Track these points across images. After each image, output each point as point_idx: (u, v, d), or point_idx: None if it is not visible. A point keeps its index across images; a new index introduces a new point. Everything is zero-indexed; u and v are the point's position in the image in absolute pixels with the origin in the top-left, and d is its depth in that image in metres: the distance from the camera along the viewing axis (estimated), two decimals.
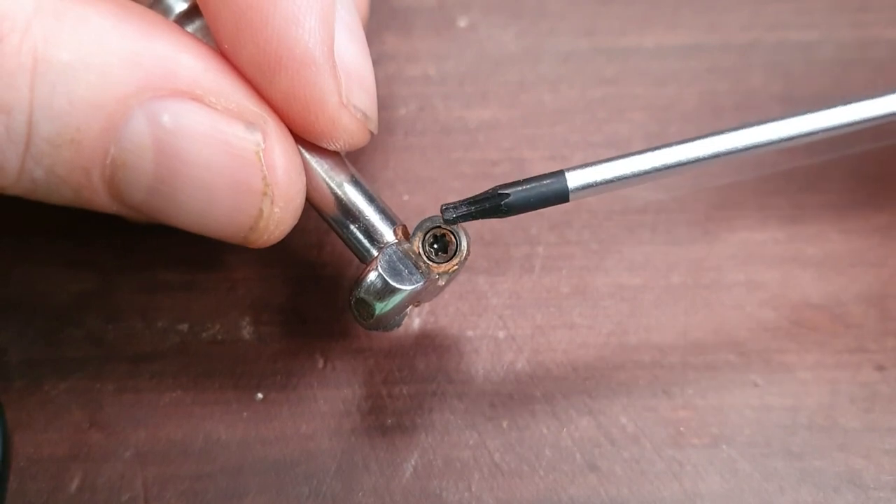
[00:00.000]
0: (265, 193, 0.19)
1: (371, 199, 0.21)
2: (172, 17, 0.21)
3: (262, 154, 0.19)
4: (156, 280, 0.24)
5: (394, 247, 0.20)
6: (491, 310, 0.24)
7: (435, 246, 0.21)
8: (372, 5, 0.25)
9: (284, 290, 0.24)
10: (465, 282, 0.25)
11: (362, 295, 0.20)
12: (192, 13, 0.21)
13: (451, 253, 0.21)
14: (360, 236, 0.21)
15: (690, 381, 0.23)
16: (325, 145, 0.20)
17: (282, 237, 0.20)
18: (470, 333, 0.24)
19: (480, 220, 0.25)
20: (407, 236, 0.21)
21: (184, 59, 0.18)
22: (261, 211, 0.19)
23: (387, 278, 0.20)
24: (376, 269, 0.20)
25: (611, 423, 0.23)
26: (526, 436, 0.23)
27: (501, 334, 0.24)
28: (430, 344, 0.24)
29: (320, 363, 0.24)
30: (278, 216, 0.19)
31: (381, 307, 0.20)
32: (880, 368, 0.24)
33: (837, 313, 0.24)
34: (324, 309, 0.24)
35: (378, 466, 0.23)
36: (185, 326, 0.24)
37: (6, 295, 0.24)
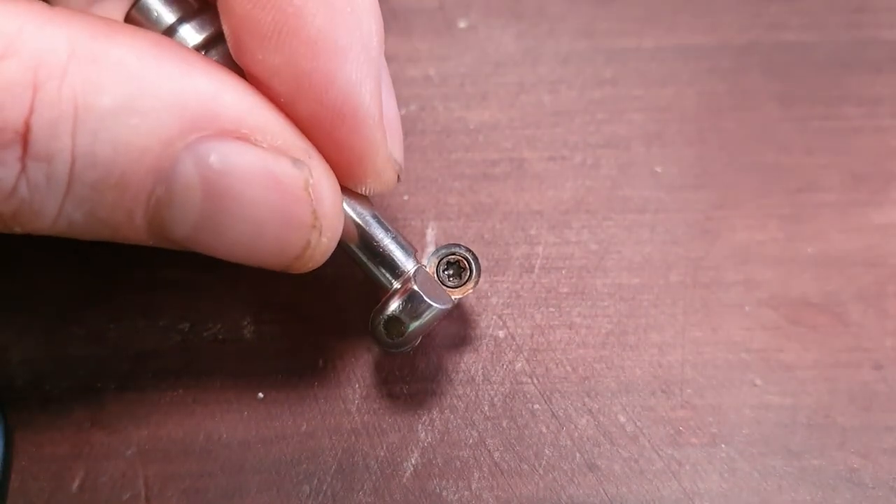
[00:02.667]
0: (314, 226, 0.19)
1: (388, 229, 0.22)
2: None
3: (310, 188, 0.19)
4: (157, 279, 0.24)
5: (422, 270, 0.22)
6: (490, 309, 0.24)
7: (448, 272, 0.22)
8: None
9: (286, 290, 0.24)
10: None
11: (398, 314, 0.21)
12: (207, 45, 0.21)
13: (464, 278, 0.22)
14: (384, 264, 0.22)
15: (689, 381, 0.24)
16: (360, 190, 0.21)
17: (322, 262, 0.21)
18: (470, 333, 0.24)
19: (480, 220, 0.26)
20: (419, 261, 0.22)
21: (226, 97, 0.18)
22: (308, 242, 0.20)
23: (424, 297, 0.21)
24: (413, 288, 0.21)
25: (610, 422, 0.23)
26: (525, 435, 0.23)
27: (501, 334, 0.24)
28: (430, 343, 0.24)
29: (321, 362, 0.24)
30: (325, 245, 0.20)
31: (414, 325, 0.21)
32: (878, 367, 0.24)
33: (836, 312, 0.25)
34: (325, 308, 0.24)
35: (378, 465, 0.23)
36: (186, 325, 0.24)
37: (8, 294, 0.24)
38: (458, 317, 0.24)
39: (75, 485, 0.22)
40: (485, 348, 0.24)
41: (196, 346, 0.24)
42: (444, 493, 0.22)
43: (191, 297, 0.24)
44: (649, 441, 0.23)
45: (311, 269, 0.20)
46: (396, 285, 0.21)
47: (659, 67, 0.28)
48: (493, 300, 0.25)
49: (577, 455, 0.23)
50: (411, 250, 0.22)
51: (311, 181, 0.19)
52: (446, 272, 0.22)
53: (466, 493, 0.22)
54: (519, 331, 0.24)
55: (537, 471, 0.23)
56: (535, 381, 0.24)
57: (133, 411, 0.23)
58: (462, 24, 0.29)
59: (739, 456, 0.23)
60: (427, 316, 0.21)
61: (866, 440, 0.23)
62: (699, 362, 0.24)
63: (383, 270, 0.22)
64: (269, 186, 0.19)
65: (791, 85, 0.28)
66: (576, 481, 0.22)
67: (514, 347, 0.24)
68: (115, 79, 0.17)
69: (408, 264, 0.22)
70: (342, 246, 0.21)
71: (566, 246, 0.25)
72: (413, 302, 0.21)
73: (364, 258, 0.22)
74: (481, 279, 0.22)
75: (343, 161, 0.20)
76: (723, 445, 0.23)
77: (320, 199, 0.19)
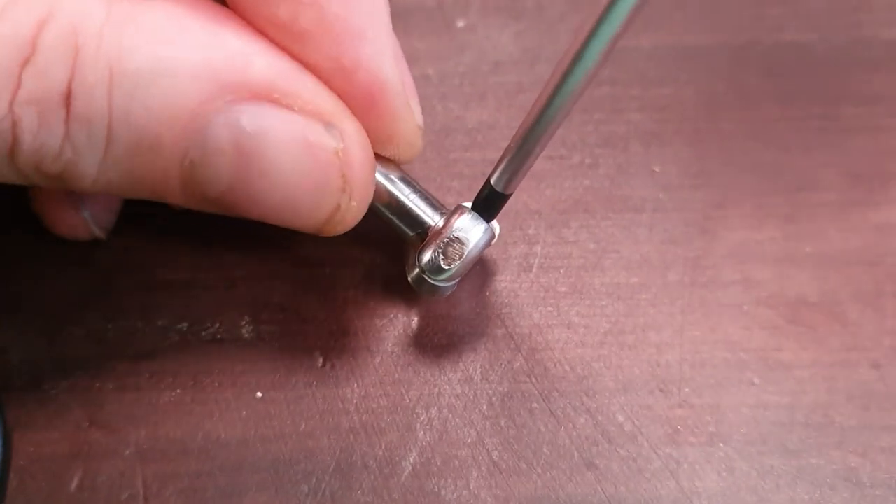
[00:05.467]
0: (344, 190, 0.20)
1: (417, 187, 0.22)
2: None
3: (340, 153, 0.19)
4: (156, 279, 0.24)
5: (461, 206, 0.22)
6: (489, 308, 0.24)
7: None
8: None
9: (284, 289, 0.24)
10: (462, 280, 0.25)
11: (458, 234, 0.21)
12: None
13: None
14: (415, 221, 0.22)
15: (687, 380, 0.24)
16: (391, 156, 0.22)
17: (354, 225, 0.21)
18: (468, 332, 0.24)
19: None
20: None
21: (258, 61, 0.18)
22: (339, 206, 0.20)
23: (480, 217, 0.21)
24: (466, 211, 0.22)
25: (608, 421, 0.23)
26: (524, 434, 0.23)
27: (500, 333, 0.24)
28: (429, 343, 0.24)
29: (319, 362, 0.24)
30: (355, 208, 0.20)
31: (472, 245, 0.21)
32: (877, 366, 0.24)
33: (834, 311, 0.25)
34: (323, 308, 0.24)
35: (377, 465, 0.23)
36: (184, 325, 0.24)
37: (7, 294, 0.24)
38: (457, 316, 0.24)
39: (73, 484, 0.22)
40: (483, 347, 0.24)
41: (194, 346, 0.24)
42: (443, 493, 0.22)
43: (189, 296, 0.24)
44: (647, 440, 0.23)
45: (341, 232, 0.21)
46: (441, 222, 0.22)
47: (657, 67, 0.28)
48: (492, 299, 0.25)
49: (576, 454, 0.23)
50: (441, 206, 0.23)
51: (341, 146, 0.19)
52: None
53: (465, 492, 0.22)
54: (517, 330, 0.24)
55: (535, 470, 0.23)
56: (534, 380, 0.24)
57: (131, 411, 0.23)
58: (461, 24, 0.29)
59: (737, 455, 0.23)
60: (483, 233, 0.21)
61: (864, 439, 0.23)
62: (697, 361, 0.24)
63: (414, 225, 0.22)
64: (300, 150, 0.19)
65: (789, 84, 0.28)
66: (574, 480, 0.22)
67: (512, 347, 0.24)
68: (148, 42, 0.17)
69: (440, 218, 0.22)
70: (372, 207, 0.22)
71: (564, 245, 0.25)
72: (471, 220, 0.21)
73: (396, 218, 0.22)
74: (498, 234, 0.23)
75: (374, 133, 0.20)
76: (721, 444, 0.23)
77: (350, 164, 0.19)
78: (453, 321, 0.24)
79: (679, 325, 0.24)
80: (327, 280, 0.25)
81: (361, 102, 0.20)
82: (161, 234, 0.24)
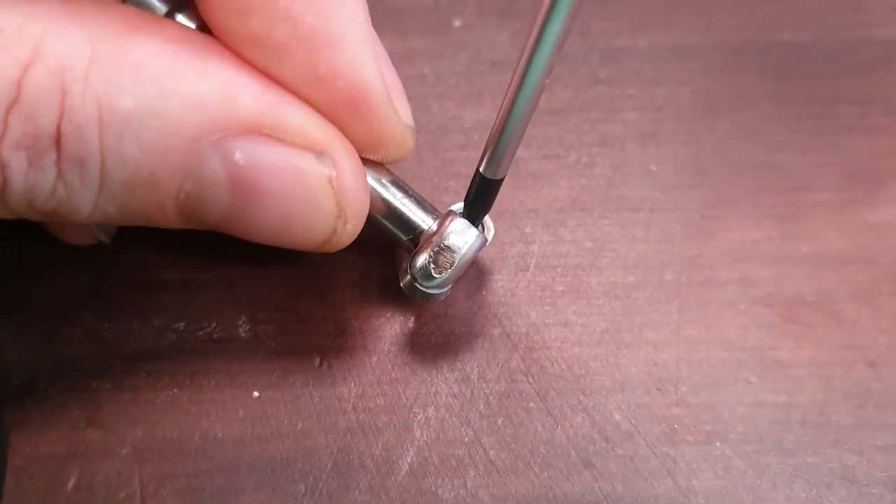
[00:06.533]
0: (339, 216, 0.20)
1: (409, 192, 0.22)
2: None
3: (333, 181, 0.19)
4: (153, 279, 0.24)
5: (452, 212, 0.22)
6: (486, 308, 0.24)
7: None
8: (368, 6, 0.25)
9: (281, 289, 0.24)
10: (460, 280, 0.25)
11: (449, 243, 0.21)
12: (174, 9, 0.20)
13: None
14: (408, 226, 0.22)
15: (684, 379, 0.24)
16: (382, 160, 0.22)
17: (350, 242, 0.21)
18: (465, 331, 0.24)
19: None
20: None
21: (244, 97, 0.18)
22: (335, 230, 0.20)
23: (470, 222, 0.21)
24: (459, 218, 0.22)
25: (605, 420, 0.23)
26: (521, 433, 0.23)
27: (496, 332, 0.24)
28: (426, 342, 0.24)
29: (316, 361, 0.24)
30: (350, 230, 0.21)
31: (464, 252, 0.21)
32: (873, 365, 0.24)
33: (831, 310, 0.25)
34: (320, 308, 0.24)
35: (374, 464, 0.23)
36: (181, 325, 0.24)
37: (4, 294, 0.24)
38: (454, 315, 0.24)
39: (71, 484, 0.22)
40: (480, 347, 0.24)
41: (191, 346, 0.24)
42: (440, 492, 0.22)
43: (186, 296, 0.24)
44: (644, 439, 0.23)
45: (338, 249, 0.21)
46: (434, 227, 0.22)
47: (654, 67, 0.28)
48: (489, 298, 0.25)
49: (573, 453, 0.23)
50: (433, 210, 0.22)
51: (334, 174, 0.19)
52: None
53: (462, 491, 0.22)
54: (514, 329, 0.24)
55: (533, 469, 0.23)
56: (531, 379, 0.24)
57: (128, 411, 0.23)
58: (457, 23, 0.29)
59: (734, 453, 0.23)
60: (473, 242, 0.21)
61: (860, 438, 0.23)
62: (694, 360, 0.24)
63: (406, 230, 0.22)
64: (294, 181, 0.19)
65: (785, 84, 0.28)
66: (571, 479, 0.22)
67: (509, 346, 0.24)
68: (135, 81, 0.17)
69: (428, 221, 0.22)
70: (368, 217, 0.22)
71: (561, 244, 0.25)
72: (461, 228, 0.21)
73: (389, 224, 0.22)
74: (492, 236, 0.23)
75: (362, 138, 0.20)
76: (718, 443, 0.23)
77: (344, 190, 0.20)
78: (450, 320, 0.24)
79: (676, 324, 0.24)
80: (324, 280, 0.25)
81: (345, 110, 0.20)
82: (158, 235, 0.24)
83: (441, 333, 0.24)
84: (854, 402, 0.23)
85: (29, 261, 0.25)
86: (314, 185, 0.19)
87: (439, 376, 0.24)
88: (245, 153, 0.18)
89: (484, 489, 0.22)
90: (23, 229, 0.24)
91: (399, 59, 0.28)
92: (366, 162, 0.21)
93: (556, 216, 0.26)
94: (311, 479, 0.22)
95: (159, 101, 0.17)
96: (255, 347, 0.24)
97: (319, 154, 0.19)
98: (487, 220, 0.23)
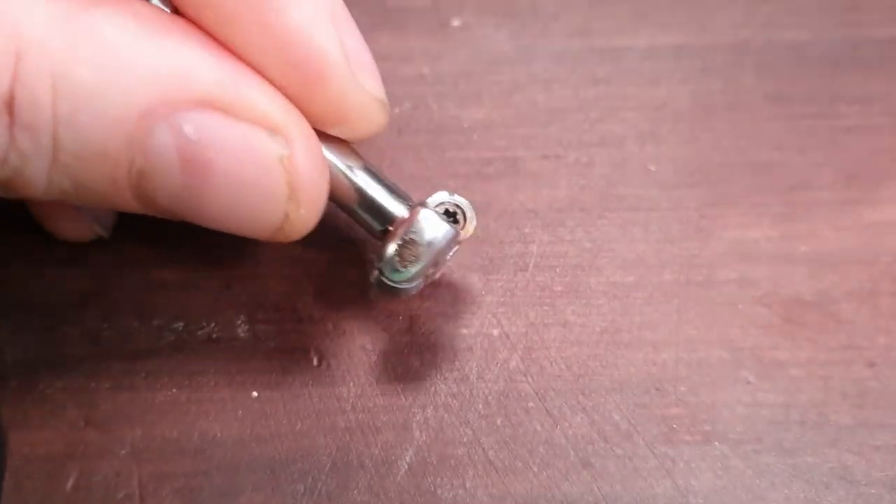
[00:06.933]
0: (290, 199, 0.19)
1: (380, 179, 0.21)
2: None
3: (285, 160, 0.19)
4: (151, 278, 0.24)
5: (424, 202, 0.21)
6: (485, 308, 0.24)
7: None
8: (366, 5, 0.25)
9: (280, 289, 0.24)
10: (459, 279, 0.25)
11: (413, 235, 0.20)
12: None
13: (460, 224, 0.22)
14: (379, 214, 0.21)
15: (683, 378, 0.24)
16: (350, 135, 0.21)
17: (307, 232, 0.20)
18: (464, 331, 0.24)
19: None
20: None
21: (202, 70, 0.18)
22: (287, 214, 0.19)
23: (438, 215, 0.21)
24: (426, 209, 0.21)
25: (604, 420, 0.23)
26: (520, 433, 0.23)
27: (495, 332, 0.24)
28: (425, 342, 0.24)
29: (315, 361, 0.24)
30: (304, 217, 0.20)
31: (430, 246, 0.20)
32: (871, 365, 0.24)
33: (829, 310, 0.25)
34: (319, 307, 0.24)
35: (373, 464, 0.23)
36: (180, 325, 0.24)
37: (2, 294, 0.24)
38: (453, 315, 0.24)
39: (69, 484, 0.22)
40: (479, 347, 0.24)
41: (190, 346, 0.24)
42: (439, 492, 0.22)
43: (184, 296, 0.24)
44: (643, 438, 0.23)
45: (295, 239, 0.20)
46: (404, 215, 0.21)
47: (652, 66, 0.28)
48: (488, 298, 0.25)
49: (572, 453, 0.23)
50: (407, 199, 0.22)
51: (286, 153, 0.19)
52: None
53: (461, 490, 0.22)
54: (513, 329, 0.24)
55: (531, 468, 0.23)
56: (530, 379, 0.24)
57: (127, 411, 0.23)
58: (456, 23, 0.29)
59: (733, 453, 0.23)
60: (442, 236, 0.20)
61: (859, 438, 0.23)
62: (693, 360, 0.24)
63: (378, 220, 0.21)
64: (244, 158, 0.18)
65: (784, 84, 0.28)
66: (570, 479, 0.22)
67: (508, 346, 0.24)
68: (92, 51, 0.17)
69: (402, 209, 0.21)
70: (334, 200, 0.21)
71: (560, 244, 0.25)
72: (428, 220, 0.20)
73: (358, 212, 0.21)
74: (464, 255, 0.22)
75: (321, 110, 0.20)
76: (716, 443, 0.23)
77: (297, 172, 0.19)
78: (449, 320, 0.24)
79: (675, 323, 0.24)
80: (323, 280, 0.25)
81: (299, 77, 0.19)
82: (157, 234, 0.24)
83: (440, 333, 0.24)
84: (853, 401, 0.23)
85: (27, 260, 0.25)
86: (264, 163, 0.19)
87: (438, 376, 0.24)
88: (195, 127, 0.18)
89: (483, 489, 0.22)
90: (21, 228, 0.24)
91: (398, 59, 0.28)
92: (333, 144, 0.21)
93: (554, 216, 0.26)
94: (311, 479, 0.22)
95: (115, 73, 0.17)
96: (254, 347, 0.24)
97: (273, 131, 0.19)
98: (470, 211, 0.22)
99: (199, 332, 0.24)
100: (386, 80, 0.27)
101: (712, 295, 0.25)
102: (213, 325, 0.24)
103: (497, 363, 0.24)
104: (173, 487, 0.22)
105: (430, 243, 0.20)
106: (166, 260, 0.25)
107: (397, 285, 0.21)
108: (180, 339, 0.24)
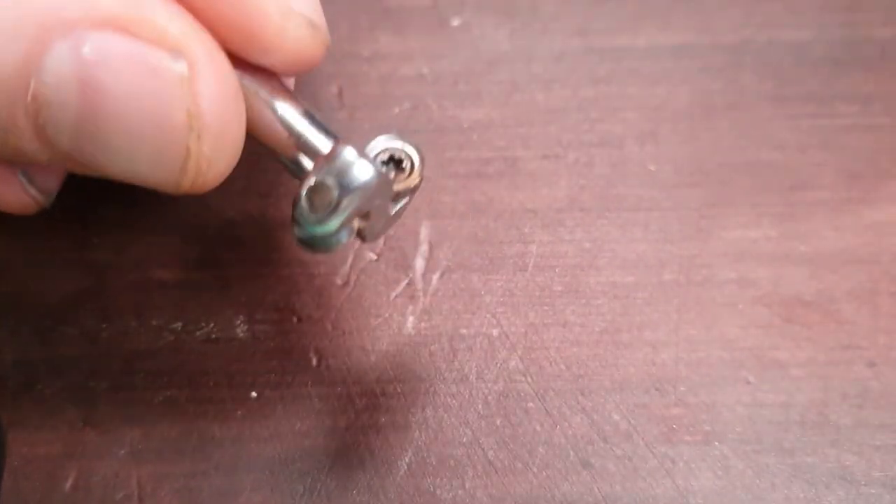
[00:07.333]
0: (191, 128, 0.17)
1: (308, 114, 0.19)
2: None
3: (186, 84, 0.17)
4: (150, 278, 0.24)
5: (349, 143, 0.18)
6: (484, 308, 0.24)
7: (385, 167, 0.19)
8: (366, 5, 0.25)
9: (279, 289, 0.24)
10: (458, 280, 0.25)
11: (323, 178, 0.17)
12: None
13: (406, 171, 0.19)
14: (304, 149, 0.19)
15: (683, 379, 0.24)
16: (277, 64, 0.19)
17: (217, 181, 0.18)
18: (463, 331, 0.24)
19: (474, 219, 0.25)
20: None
21: None
22: (188, 150, 0.17)
23: (355, 153, 0.18)
24: (341, 148, 0.18)
25: (604, 420, 0.23)
26: (519, 433, 0.23)
27: (495, 332, 0.24)
28: (424, 342, 0.24)
29: (314, 361, 0.24)
30: (208, 154, 0.17)
31: (344, 191, 0.17)
32: (871, 365, 0.24)
33: (829, 310, 0.25)
34: (318, 307, 0.24)
35: (372, 464, 0.23)
36: (179, 325, 0.24)
37: (1, 294, 0.24)
38: (452, 315, 0.24)
39: (68, 485, 0.22)
40: (478, 347, 0.24)
41: (189, 346, 0.24)
42: (438, 492, 0.22)
43: (183, 296, 0.24)
44: (643, 439, 0.23)
45: (204, 189, 0.18)
46: (323, 153, 0.18)
47: (652, 66, 0.28)
48: (487, 299, 0.25)
49: (571, 453, 0.23)
50: (335, 137, 0.19)
51: (186, 74, 0.17)
52: (384, 165, 0.19)
53: (460, 491, 0.22)
54: (513, 329, 0.24)
55: (531, 469, 0.23)
56: (529, 379, 0.24)
57: (126, 411, 0.23)
58: (455, 22, 0.29)
59: (733, 454, 0.23)
60: (359, 179, 0.17)
61: (859, 438, 0.23)
62: (693, 360, 0.24)
63: (305, 157, 0.19)
64: (142, 81, 0.17)
65: (784, 83, 0.28)
66: (570, 479, 0.22)
67: (507, 346, 0.24)
68: None
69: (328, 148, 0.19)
70: (255, 137, 0.19)
71: (560, 244, 0.25)
72: (344, 162, 0.17)
73: (279, 150, 0.19)
74: (423, 177, 0.19)
75: (231, 27, 0.18)
76: (716, 443, 0.23)
77: (198, 95, 0.17)
78: (448, 320, 0.24)
79: (675, 323, 0.24)
80: (322, 279, 0.25)
81: (218, 2, 0.17)
82: (155, 234, 0.24)
83: (439, 333, 0.24)
84: (853, 401, 0.23)
85: (25, 260, 0.24)
86: (162, 86, 0.17)
87: (437, 376, 0.24)
88: (94, 46, 0.16)
89: (482, 489, 0.22)
90: (21, 228, 0.24)
91: (397, 58, 0.28)
92: (256, 75, 0.19)
93: (554, 216, 0.26)
94: (310, 480, 0.22)
95: None
96: (253, 347, 0.24)
97: (174, 50, 0.17)
98: (417, 158, 0.19)
99: (198, 333, 0.24)
100: (385, 80, 0.27)
101: (712, 295, 0.25)
102: (212, 325, 0.24)
103: (496, 363, 0.24)
104: (172, 487, 0.22)
105: (346, 187, 0.17)
106: (165, 260, 0.25)
107: (314, 236, 0.18)
108: (179, 340, 0.24)
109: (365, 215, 0.18)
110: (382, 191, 0.18)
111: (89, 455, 0.22)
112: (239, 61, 0.18)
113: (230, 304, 0.24)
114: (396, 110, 0.27)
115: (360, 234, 0.19)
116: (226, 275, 0.25)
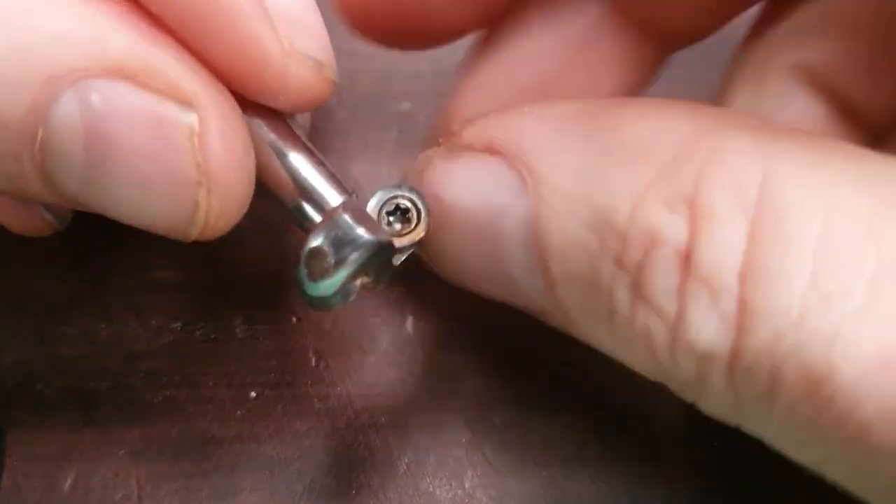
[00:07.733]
0: (200, 183, 0.17)
1: (319, 163, 0.19)
2: None
3: (195, 138, 0.17)
4: (149, 279, 0.24)
5: (352, 200, 0.18)
6: (483, 307, 0.24)
7: (392, 218, 0.19)
8: None
9: (278, 289, 0.24)
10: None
11: (320, 245, 0.17)
12: None
13: (411, 224, 0.19)
14: (310, 201, 0.18)
15: None
16: (282, 104, 0.18)
17: (227, 229, 0.18)
18: (462, 331, 0.24)
19: None
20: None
21: (114, 35, 0.17)
22: (197, 203, 0.17)
23: (352, 223, 0.17)
24: (340, 215, 0.18)
25: (603, 418, 0.23)
26: (518, 433, 0.23)
27: (495, 332, 0.24)
28: (423, 342, 0.24)
29: (313, 361, 0.24)
30: (217, 208, 0.17)
31: (341, 261, 0.17)
32: None
33: None
34: None
35: (372, 464, 0.23)
36: (178, 325, 0.24)
37: (0, 294, 0.24)
38: (451, 315, 0.24)
39: (67, 485, 0.22)
40: (478, 346, 0.24)
41: (188, 346, 0.24)
42: (438, 492, 0.22)
43: (182, 296, 0.24)
44: (645, 438, 0.23)
45: (213, 237, 0.18)
46: (320, 218, 0.18)
47: None
48: (486, 298, 0.24)
49: (572, 453, 0.23)
50: (345, 189, 0.19)
51: (196, 128, 0.17)
52: (390, 216, 0.19)
53: (460, 491, 0.22)
54: (512, 328, 0.24)
55: (531, 469, 0.23)
56: (529, 379, 0.24)
57: (125, 411, 0.23)
58: None
59: (733, 454, 0.23)
60: (357, 248, 0.17)
61: None
62: None
63: (309, 209, 0.18)
64: (150, 133, 0.17)
65: None
66: (570, 479, 0.22)
67: (507, 345, 0.24)
68: (3, 13, 0.16)
69: (337, 200, 0.18)
70: (264, 188, 0.19)
71: None
72: (339, 229, 0.17)
73: (286, 204, 0.19)
74: (429, 229, 0.19)
75: (233, 70, 0.17)
76: (714, 443, 0.23)
77: (207, 151, 0.17)
78: (447, 320, 0.24)
79: None
80: None
81: (201, 29, 0.17)
82: (154, 234, 0.24)
83: (438, 333, 0.24)
84: None
85: (24, 260, 0.24)
86: (171, 139, 0.17)
87: (436, 376, 0.24)
88: (102, 96, 0.16)
89: (482, 489, 0.22)
90: None
91: (397, 57, 0.28)
92: (266, 120, 0.18)
93: None
94: (309, 480, 0.22)
95: (23, 34, 0.16)
96: (252, 347, 0.24)
97: (184, 103, 0.17)
98: (424, 208, 0.19)
99: (198, 333, 0.24)
100: (386, 78, 0.27)
101: None
102: (211, 325, 0.24)
103: (496, 363, 0.24)
104: (171, 487, 0.22)
105: (342, 257, 0.17)
106: (164, 261, 0.25)
107: (313, 299, 0.18)
108: (179, 340, 0.24)
109: (367, 273, 0.18)
110: (382, 254, 0.18)
111: (89, 455, 0.22)
112: (246, 102, 0.18)
113: (229, 304, 0.24)
114: (397, 108, 0.27)
115: (366, 287, 0.19)
116: (225, 275, 0.25)
